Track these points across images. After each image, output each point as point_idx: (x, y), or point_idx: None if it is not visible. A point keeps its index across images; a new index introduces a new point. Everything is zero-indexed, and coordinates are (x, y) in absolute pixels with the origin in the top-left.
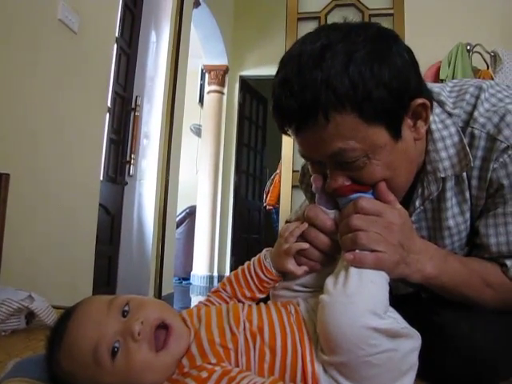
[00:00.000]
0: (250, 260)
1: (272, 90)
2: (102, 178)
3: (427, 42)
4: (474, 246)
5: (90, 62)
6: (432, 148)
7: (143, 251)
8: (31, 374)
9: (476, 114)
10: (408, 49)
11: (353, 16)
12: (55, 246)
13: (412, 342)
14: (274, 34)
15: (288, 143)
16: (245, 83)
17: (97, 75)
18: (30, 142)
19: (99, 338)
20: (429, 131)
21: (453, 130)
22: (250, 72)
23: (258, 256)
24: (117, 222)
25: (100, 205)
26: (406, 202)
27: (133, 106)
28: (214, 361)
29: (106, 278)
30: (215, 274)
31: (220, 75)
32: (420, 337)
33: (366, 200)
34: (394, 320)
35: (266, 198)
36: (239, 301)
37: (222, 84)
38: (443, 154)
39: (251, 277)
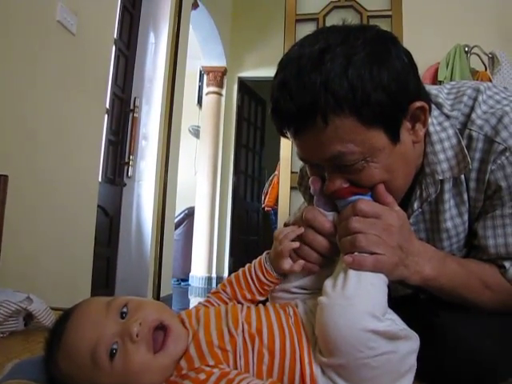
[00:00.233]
0: (248, 261)
1: (271, 93)
2: (100, 180)
3: (425, 44)
4: (473, 247)
5: (89, 64)
6: (430, 150)
7: (142, 252)
8: (29, 376)
9: (474, 115)
10: (407, 51)
11: (351, 18)
12: (54, 248)
13: (410, 344)
14: (273, 35)
15: (286, 145)
16: (243, 85)
17: (95, 76)
18: (29, 143)
19: (97, 339)
20: (427, 133)
21: (451, 132)
22: (249, 73)
23: (258, 258)
24: (115, 223)
25: (98, 206)
26: (404, 204)
27: (131, 107)
28: (212, 363)
29: (104, 279)
30: (214, 275)
31: (218, 77)
32: (418, 338)
33: (365, 202)
34: (393, 322)
35: (265, 199)
36: (239, 302)
37: (220, 85)
38: (441, 156)
39: (252, 279)
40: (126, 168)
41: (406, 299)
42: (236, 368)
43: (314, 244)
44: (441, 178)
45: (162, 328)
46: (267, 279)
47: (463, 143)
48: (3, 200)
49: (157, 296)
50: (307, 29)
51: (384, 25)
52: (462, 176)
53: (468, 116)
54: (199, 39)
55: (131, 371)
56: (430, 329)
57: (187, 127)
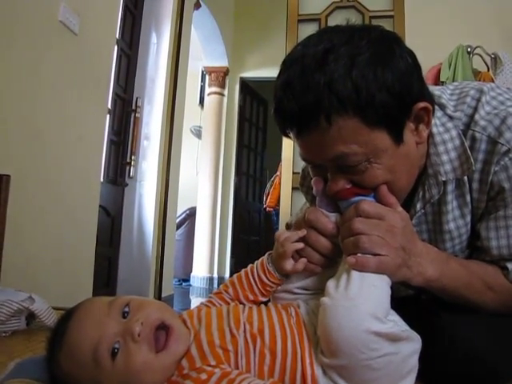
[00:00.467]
0: (250, 262)
1: (274, 93)
2: (102, 180)
3: (427, 44)
4: (475, 248)
5: (91, 64)
6: (433, 151)
7: (143, 252)
8: (32, 375)
9: (477, 116)
10: (411, 52)
11: (353, 18)
12: (55, 247)
13: (412, 345)
14: (275, 35)
15: (288, 145)
16: (245, 85)
17: (97, 76)
18: (31, 143)
19: (99, 338)
20: (430, 134)
21: (454, 133)
22: (251, 74)
23: (260, 259)
24: (117, 223)
25: (100, 206)
26: (407, 204)
27: (133, 107)
28: (213, 363)
29: (106, 279)
30: (215, 275)
31: (220, 77)
32: (420, 339)
33: (368, 203)
34: (395, 323)
35: (266, 199)
36: (241, 303)
37: (222, 86)
38: (444, 158)
39: (254, 280)
40: (127, 168)
41: (407, 300)
42: (237, 368)
43: (316, 245)
44: (444, 179)
45: (163, 328)
46: (269, 280)
47: (466, 144)
48: (5, 199)
49: (158, 296)
50: (309, 29)
51: (386, 25)
52: (465, 177)
53: (471, 117)
54: (201, 39)
55: (133, 371)
56: (431, 329)
57: (189, 127)
